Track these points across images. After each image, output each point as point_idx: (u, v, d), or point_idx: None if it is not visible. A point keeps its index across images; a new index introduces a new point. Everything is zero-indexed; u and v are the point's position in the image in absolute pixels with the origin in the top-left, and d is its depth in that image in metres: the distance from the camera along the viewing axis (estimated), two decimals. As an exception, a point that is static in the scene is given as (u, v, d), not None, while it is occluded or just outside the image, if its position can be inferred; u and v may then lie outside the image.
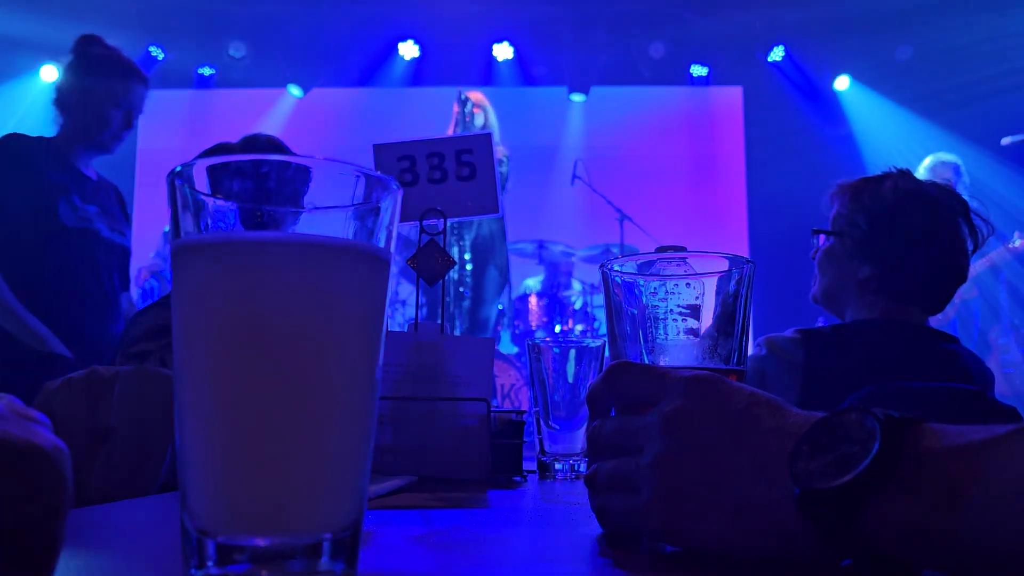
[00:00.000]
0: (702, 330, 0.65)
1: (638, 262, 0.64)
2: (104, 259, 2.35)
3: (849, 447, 0.41)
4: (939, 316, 1.76)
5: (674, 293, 0.62)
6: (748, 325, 0.64)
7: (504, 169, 3.46)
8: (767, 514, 0.43)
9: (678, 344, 0.66)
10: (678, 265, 0.69)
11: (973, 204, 1.55)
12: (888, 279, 1.54)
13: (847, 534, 0.40)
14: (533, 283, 5.19)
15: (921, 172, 4.16)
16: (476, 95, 4.12)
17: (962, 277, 1.57)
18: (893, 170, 1.59)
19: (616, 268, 0.63)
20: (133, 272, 2.62)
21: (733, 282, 0.62)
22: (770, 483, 0.43)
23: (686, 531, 0.46)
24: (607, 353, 0.81)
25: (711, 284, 0.62)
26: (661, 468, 0.47)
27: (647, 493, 0.47)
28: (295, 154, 0.46)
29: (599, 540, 0.52)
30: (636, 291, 0.62)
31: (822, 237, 1.64)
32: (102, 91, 2.30)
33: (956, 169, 4.21)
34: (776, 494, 0.43)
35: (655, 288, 0.62)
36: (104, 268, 2.35)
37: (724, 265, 0.62)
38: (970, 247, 1.55)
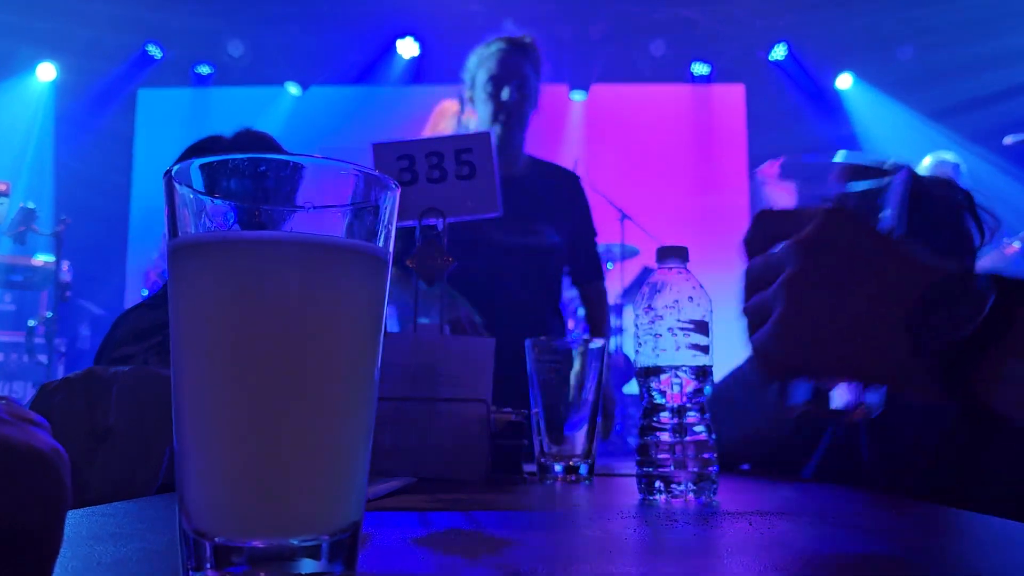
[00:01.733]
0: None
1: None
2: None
3: (966, 308, 0.44)
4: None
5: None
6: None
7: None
8: (885, 349, 0.47)
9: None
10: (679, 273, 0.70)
11: (977, 197, 1.53)
12: None
13: (959, 385, 0.44)
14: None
15: (920, 172, 4.13)
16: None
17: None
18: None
19: None
20: (139, 273, 2.59)
21: None
22: (891, 324, 0.47)
23: (807, 352, 0.49)
24: (608, 353, 0.81)
25: None
26: (788, 288, 0.50)
27: (776, 313, 0.50)
28: (289, 152, 0.45)
29: (598, 540, 0.52)
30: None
31: None
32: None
33: (956, 169, 4.20)
34: (896, 332, 0.46)
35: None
36: None
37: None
38: (976, 242, 1.52)
